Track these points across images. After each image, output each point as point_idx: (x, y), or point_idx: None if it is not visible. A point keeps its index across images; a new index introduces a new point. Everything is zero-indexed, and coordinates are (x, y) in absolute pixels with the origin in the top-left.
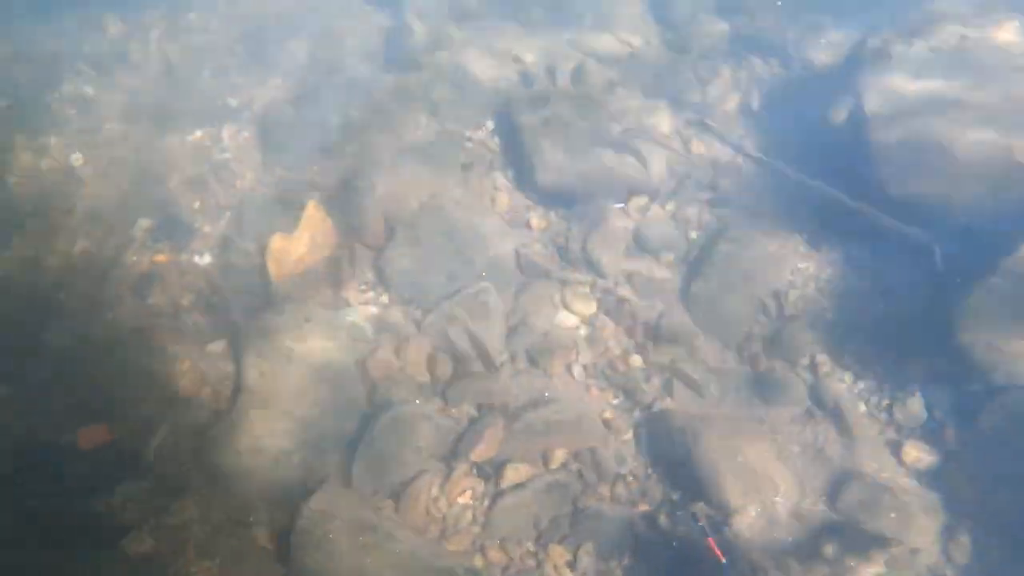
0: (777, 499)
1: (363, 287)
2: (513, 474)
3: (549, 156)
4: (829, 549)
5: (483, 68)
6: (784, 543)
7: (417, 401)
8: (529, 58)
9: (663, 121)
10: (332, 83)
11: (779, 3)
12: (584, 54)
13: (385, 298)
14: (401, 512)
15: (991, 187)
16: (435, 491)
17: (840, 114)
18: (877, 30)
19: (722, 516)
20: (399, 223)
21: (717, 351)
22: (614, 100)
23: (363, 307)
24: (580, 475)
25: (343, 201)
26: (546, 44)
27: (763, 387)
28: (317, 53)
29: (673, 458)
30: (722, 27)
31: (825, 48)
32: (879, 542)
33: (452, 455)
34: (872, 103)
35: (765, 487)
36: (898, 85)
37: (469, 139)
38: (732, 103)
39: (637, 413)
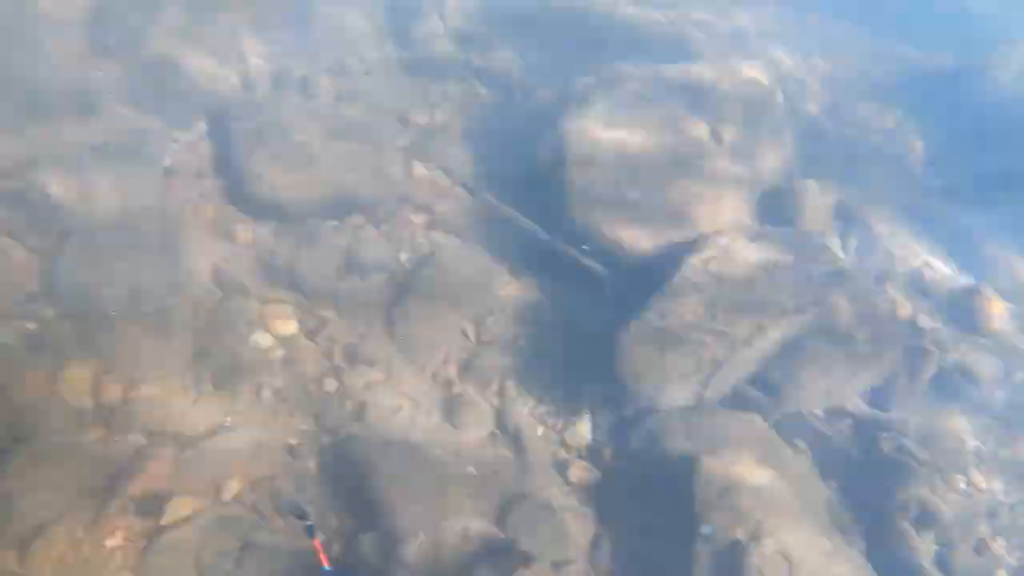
0: (446, 522)
1: (22, 300)
2: (177, 509)
3: (262, 168)
4: (482, 570)
5: (199, 65)
6: (447, 568)
7: (67, 429)
8: (255, 62)
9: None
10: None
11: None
12: (314, 66)
13: (50, 312)
14: (28, 563)
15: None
16: (79, 534)
17: (545, 150)
18: (583, 75)
19: (391, 542)
20: (76, 229)
21: (413, 375)
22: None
23: (18, 322)
24: (255, 507)
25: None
26: (277, 51)
27: (452, 412)
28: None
29: (351, 485)
30: (456, 54)
31: (549, 87)
32: (523, 558)
33: (108, 490)
34: (574, 150)
35: (438, 511)
36: (592, 130)
37: (176, 141)
38: (456, 128)
39: (325, 438)
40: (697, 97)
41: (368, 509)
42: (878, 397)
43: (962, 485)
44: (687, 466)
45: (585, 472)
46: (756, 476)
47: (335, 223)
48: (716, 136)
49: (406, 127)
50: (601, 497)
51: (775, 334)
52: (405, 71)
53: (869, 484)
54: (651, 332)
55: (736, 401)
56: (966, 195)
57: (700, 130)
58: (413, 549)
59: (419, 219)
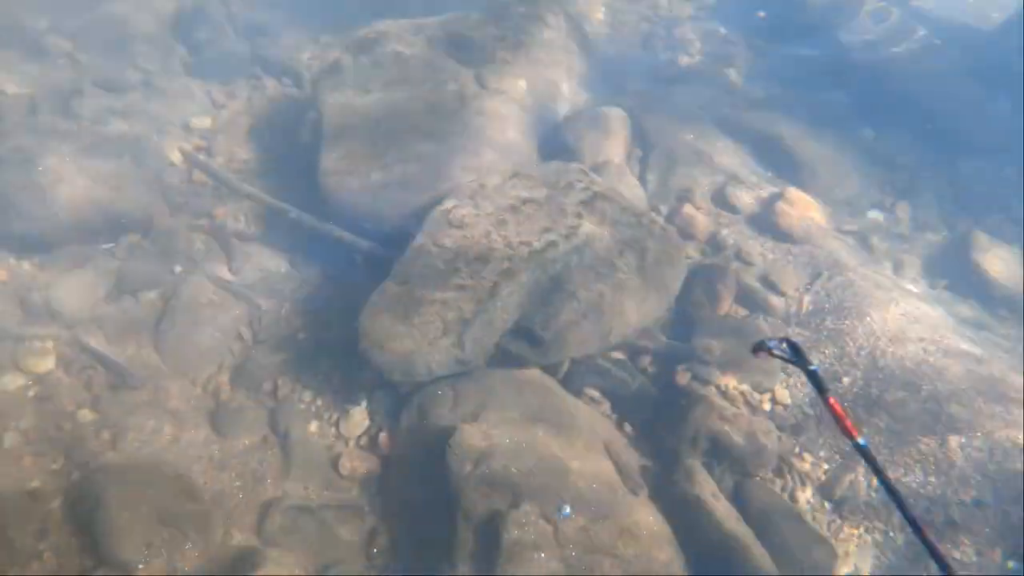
0: (187, 546)
1: None
2: None
3: (13, 198)
4: None
5: None
6: None
7: None
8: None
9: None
10: None
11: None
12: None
13: None
14: None
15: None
16: None
17: (306, 130)
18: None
19: (122, 572)
20: None
21: (181, 390)
22: None
23: None
24: None
25: None
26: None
27: (221, 419)
28: None
29: (86, 519)
30: (243, 47)
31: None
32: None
33: None
34: (329, 123)
35: (174, 537)
36: (347, 98)
37: None
38: (242, 126)
39: (75, 475)
40: (460, 45)
41: (98, 542)
42: (681, 325)
43: (767, 405)
44: (444, 438)
45: (360, 462)
46: (522, 436)
47: (108, 245)
48: (480, 81)
49: (189, 133)
50: (377, 486)
51: (524, 277)
52: (189, 74)
53: (665, 423)
54: (390, 300)
55: (507, 358)
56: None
57: (465, 78)
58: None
59: (198, 225)
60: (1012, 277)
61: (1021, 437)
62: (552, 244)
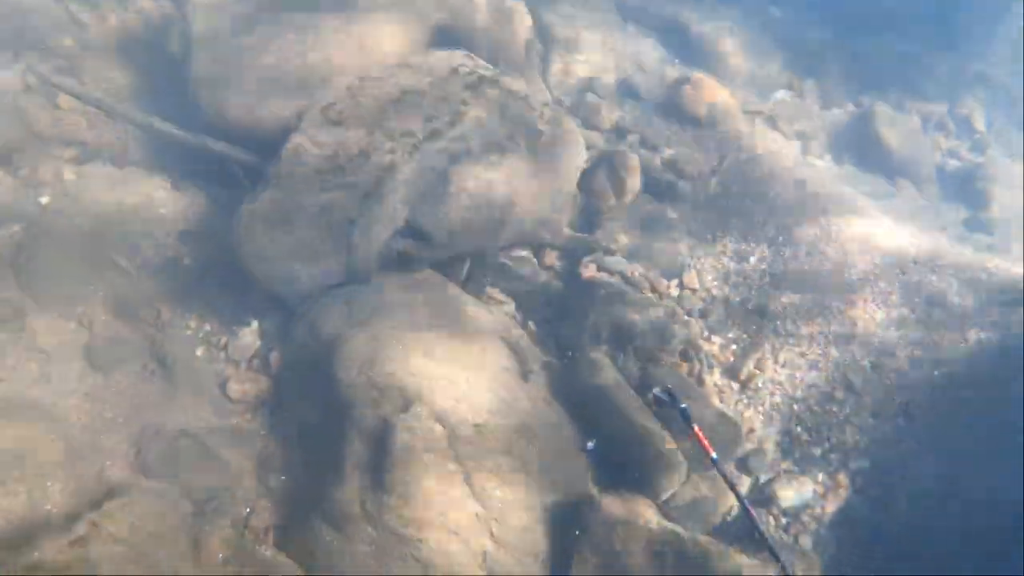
0: (50, 485)
1: None
2: None
3: None
4: None
5: None
6: None
7: None
8: None
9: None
10: None
11: None
12: None
13: None
14: None
15: None
16: None
17: (174, 38)
18: None
19: None
20: None
21: (51, 326)
22: None
23: None
24: None
25: None
26: None
27: (97, 352)
28: None
29: None
30: None
31: None
32: None
33: None
34: (198, 24)
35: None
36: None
37: None
38: (112, 42)
39: None
40: None
41: None
42: (588, 220)
43: (674, 291)
44: (335, 349)
45: (250, 384)
46: (414, 340)
47: None
48: None
49: (48, 54)
50: (270, 407)
51: (408, 171)
52: None
53: (571, 317)
54: (267, 207)
55: (401, 261)
56: None
57: None
58: None
59: (68, 154)
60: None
61: None
62: (436, 133)
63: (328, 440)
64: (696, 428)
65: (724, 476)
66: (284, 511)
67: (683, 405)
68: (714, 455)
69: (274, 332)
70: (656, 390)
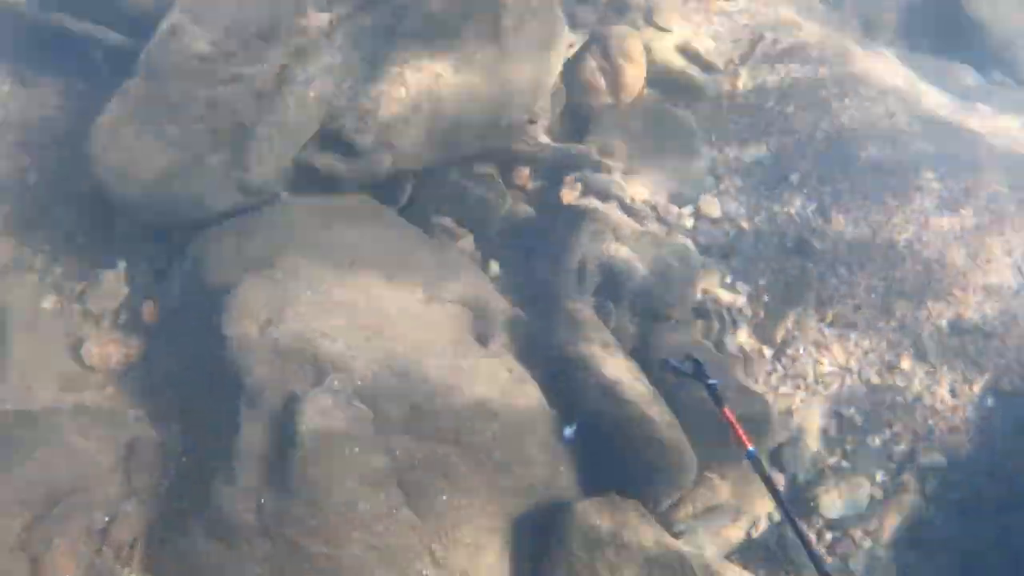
0: None
1: None
2: None
3: None
4: None
5: None
6: None
7: None
8: None
9: None
10: None
11: None
12: None
13: None
14: None
15: None
16: None
17: None
18: None
19: None
20: None
21: None
22: None
23: None
24: None
25: None
26: None
27: None
28: None
29: None
30: None
31: None
32: None
33: None
34: None
35: None
36: None
37: None
38: None
39: None
40: None
41: None
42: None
43: (687, 222)
44: (221, 299)
45: (114, 346)
46: (333, 287)
47: None
48: None
49: None
50: (141, 377)
51: (326, 57)
52: None
53: (547, 256)
54: (135, 104)
55: (317, 181)
56: None
57: None
58: None
59: None
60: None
61: None
62: (366, 5)
63: (216, 423)
64: (728, 411)
65: (766, 479)
66: (156, 518)
67: (712, 380)
68: (751, 448)
69: (146, 277)
70: (673, 359)
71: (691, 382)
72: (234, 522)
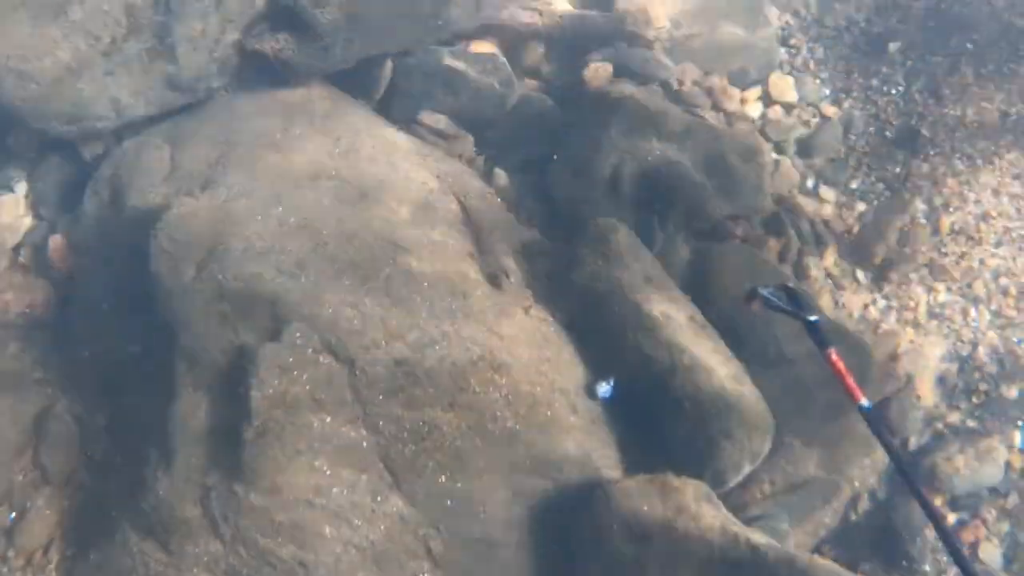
0: None
1: None
2: None
3: None
4: None
5: None
6: None
7: None
8: None
9: None
10: None
11: None
12: None
13: None
14: None
15: None
16: None
17: None
18: None
19: None
20: None
21: None
22: None
23: None
24: None
25: None
26: None
27: None
28: None
29: None
30: None
31: None
32: None
33: None
34: None
35: None
36: None
37: None
38: None
39: None
40: None
41: None
42: None
43: (753, 108)
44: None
45: (16, 292)
46: (292, 207)
47: None
48: None
49: None
50: (52, 333)
51: None
52: None
53: (569, 159)
54: None
55: (265, 71)
56: None
57: None
58: None
59: None
60: None
61: None
62: None
63: (147, 390)
64: (834, 355)
65: (885, 441)
66: (76, 515)
67: (812, 317)
68: (865, 402)
69: (54, 200)
70: (764, 288)
71: (784, 318)
72: (172, 517)
